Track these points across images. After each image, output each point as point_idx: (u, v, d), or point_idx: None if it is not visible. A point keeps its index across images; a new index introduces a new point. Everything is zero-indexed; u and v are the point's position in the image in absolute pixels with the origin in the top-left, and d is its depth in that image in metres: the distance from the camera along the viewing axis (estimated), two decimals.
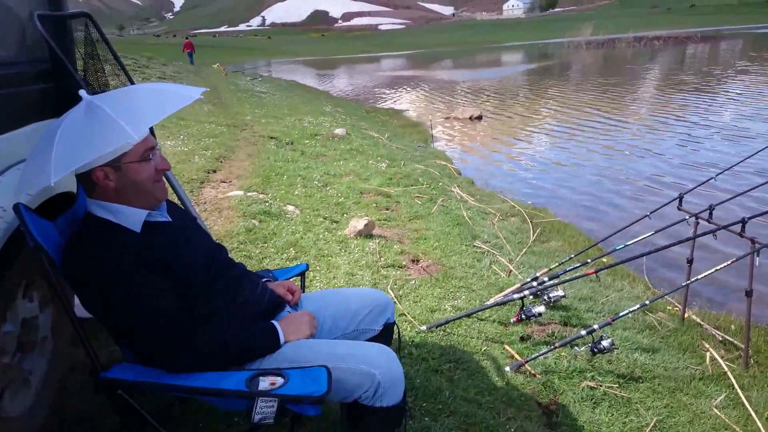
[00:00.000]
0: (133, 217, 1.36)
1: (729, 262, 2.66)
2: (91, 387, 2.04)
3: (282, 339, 1.44)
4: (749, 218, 2.60)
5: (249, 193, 4.87)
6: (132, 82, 2.23)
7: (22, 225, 1.31)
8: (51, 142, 1.26)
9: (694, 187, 3.29)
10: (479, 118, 14.06)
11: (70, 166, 1.22)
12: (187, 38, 39.69)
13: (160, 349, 1.30)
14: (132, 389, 1.34)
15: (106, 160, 1.30)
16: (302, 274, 1.95)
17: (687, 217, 2.99)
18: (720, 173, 3.30)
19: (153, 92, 1.47)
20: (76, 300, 1.38)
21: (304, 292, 1.84)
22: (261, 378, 1.29)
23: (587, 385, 2.47)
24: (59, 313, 1.88)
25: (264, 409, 1.21)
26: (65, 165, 1.21)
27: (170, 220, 1.47)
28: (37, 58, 1.84)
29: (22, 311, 1.68)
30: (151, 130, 1.59)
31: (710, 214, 2.87)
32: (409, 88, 24.77)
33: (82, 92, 1.37)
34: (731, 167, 3.48)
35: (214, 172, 5.76)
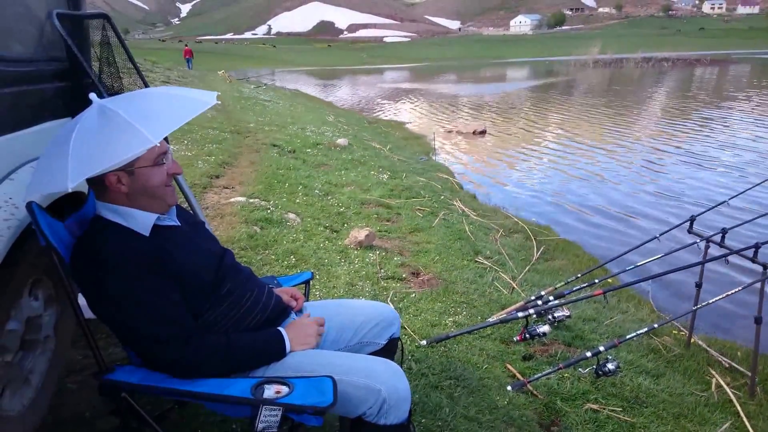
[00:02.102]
0: (142, 221, 1.35)
1: (740, 288, 2.60)
2: (89, 388, 2.05)
3: (288, 348, 1.42)
4: (763, 243, 2.55)
5: (251, 200, 4.84)
6: (146, 84, 2.24)
7: (34, 224, 1.31)
8: (65, 146, 1.24)
9: (706, 210, 3.22)
10: (483, 132, 14.06)
11: (89, 171, 1.22)
12: (186, 45, 40.90)
13: (164, 353, 1.29)
14: (135, 392, 1.34)
15: (120, 165, 1.28)
16: (307, 283, 1.93)
17: (698, 241, 2.93)
18: (734, 197, 3.24)
19: (170, 97, 1.46)
20: (82, 301, 1.37)
21: (308, 300, 1.82)
22: (266, 386, 1.28)
23: (590, 408, 2.42)
24: (62, 313, 1.88)
25: (268, 418, 1.19)
26: (83, 171, 1.21)
27: (179, 224, 1.46)
28: (54, 57, 1.84)
29: (27, 309, 1.68)
30: None
31: (722, 238, 2.81)
32: (412, 101, 24.87)
33: (93, 96, 1.36)
34: (746, 191, 3.43)
35: (217, 177, 5.74)
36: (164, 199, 1.38)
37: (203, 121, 9.69)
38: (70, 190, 1.17)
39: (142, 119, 1.25)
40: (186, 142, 7.30)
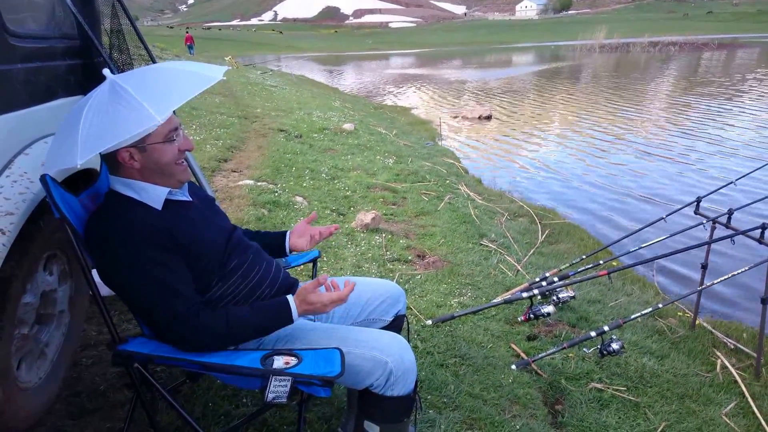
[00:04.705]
0: (155, 195, 1.36)
1: (746, 268, 2.60)
2: (103, 362, 2.10)
3: (295, 313, 1.37)
4: None
5: (259, 183, 4.87)
6: (153, 61, 2.26)
7: (48, 196, 1.32)
8: (77, 122, 1.26)
9: (713, 191, 3.20)
10: (488, 117, 13.97)
11: (96, 148, 1.23)
12: (187, 32, 41.65)
13: (173, 327, 1.31)
14: (148, 363, 1.36)
15: (132, 141, 1.30)
16: (314, 261, 1.94)
17: (704, 222, 2.92)
18: (740, 177, 3.21)
19: (178, 73, 1.45)
20: (97, 278, 1.39)
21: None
22: (275, 357, 1.30)
23: (595, 387, 2.44)
24: (77, 288, 1.92)
25: (277, 388, 1.21)
26: (91, 148, 1.22)
27: (191, 199, 1.47)
28: (65, 34, 1.86)
29: (42, 284, 1.71)
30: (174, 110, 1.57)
31: (729, 218, 2.79)
32: (418, 86, 24.70)
33: (106, 71, 1.37)
34: (752, 172, 3.40)
35: (225, 161, 5.78)
36: (176, 176, 1.39)
37: (211, 106, 9.70)
38: (78, 167, 1.19)
39: (149, 96, 1.26)
40: (194, 126, 7.33)
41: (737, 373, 2.76)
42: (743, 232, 2.45)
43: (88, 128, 1.24)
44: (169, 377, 1.99)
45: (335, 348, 1.33)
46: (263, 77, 21.21)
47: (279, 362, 1.28)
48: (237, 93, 13.33)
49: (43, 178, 1.33)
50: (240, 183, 4.83)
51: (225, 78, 1.52)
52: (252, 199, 4.35)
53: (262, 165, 5.66)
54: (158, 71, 1.45)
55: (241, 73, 21.60)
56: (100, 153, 1.34)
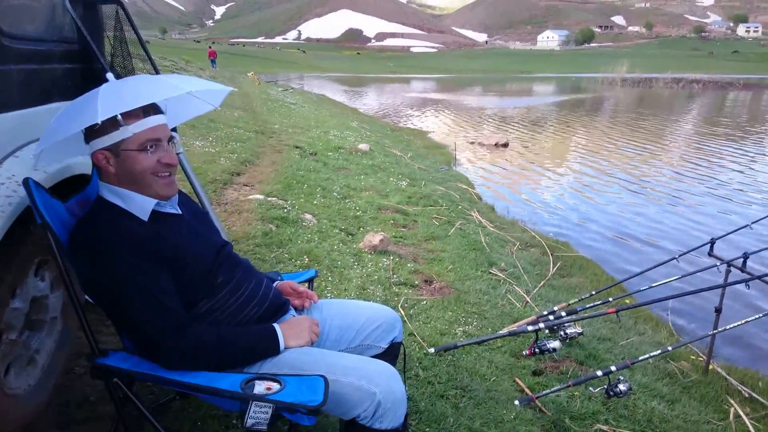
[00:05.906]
0: (141, 205, 1.33)
1: (762, 315, 2.51)
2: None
3: (282, 344, 1.38)
4: None
5: (269, 198, 4.87)
6: (156, 70, 2.26)
7: (29, 200, 1.29)
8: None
9: (728, 233, 3.12)
10: (505, 145, 13.96)
11: (47, 140, 1.28)
12: (210, 47, 43.59)
13: (154, 342, 1.26)
14: (129, 378, 1.32)
15: (105, 144, 1.29)
16: (310, 281, 1.89)
17: (718, 264, 2.84)
18: (757, 221, 3.13)
19: (151, 80, 1.47)
20: None
21: None
22: (257, 382, 1.25)
23: (600, 429, 2.34)
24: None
25: (258, 414, 1.17)
26: (45, 139, 1.27)
27: (180, 212, 1.44)
28: (64, 38, 1.86)
29: (33, 289, 1.68)
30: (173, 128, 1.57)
31: (744, 262, 2.72)
32: (436, 111, 24.85)
33: (110, 75, 1.37)
34: None
35: (238, 175, 5.80)
36: (153, 188, 1.33)
37: (229, 120, 9.84)
38: (33, 157, 1.26)
39: (106, 97, 1.26)
40: (211, 138, 7.41)
41: (751, 423, 2.64)
42: (759, 277, 2.37)
43: (56, 120, 1.29)
44: (161, 391, 1.94)
45: (320, 375, 1.27)
46: (284, 94, 21.56)
47: (260, 387, 1.23)
48: (257, 108, 13.52)
49: (26, 182, 1.30)
50: (250, 197, 4.84)
51: (235, 89, 1.51)
52: (261, 214, 4.34)
53: (274, 180, 5.68)
54: (140, 79, 1.47)
55: (262, 89, 21.99)
56: (90, 156, 1.34)
